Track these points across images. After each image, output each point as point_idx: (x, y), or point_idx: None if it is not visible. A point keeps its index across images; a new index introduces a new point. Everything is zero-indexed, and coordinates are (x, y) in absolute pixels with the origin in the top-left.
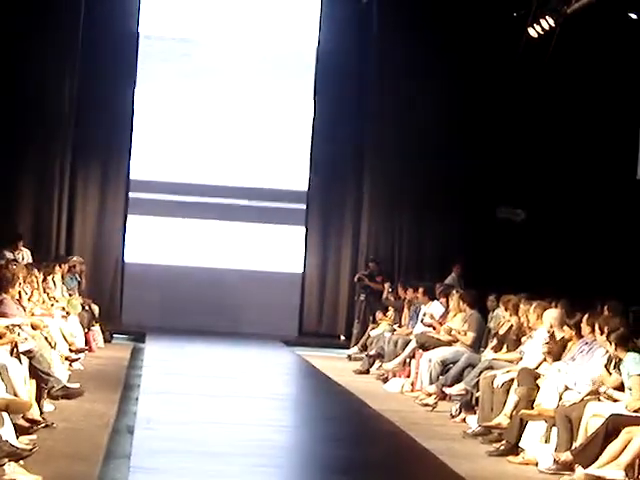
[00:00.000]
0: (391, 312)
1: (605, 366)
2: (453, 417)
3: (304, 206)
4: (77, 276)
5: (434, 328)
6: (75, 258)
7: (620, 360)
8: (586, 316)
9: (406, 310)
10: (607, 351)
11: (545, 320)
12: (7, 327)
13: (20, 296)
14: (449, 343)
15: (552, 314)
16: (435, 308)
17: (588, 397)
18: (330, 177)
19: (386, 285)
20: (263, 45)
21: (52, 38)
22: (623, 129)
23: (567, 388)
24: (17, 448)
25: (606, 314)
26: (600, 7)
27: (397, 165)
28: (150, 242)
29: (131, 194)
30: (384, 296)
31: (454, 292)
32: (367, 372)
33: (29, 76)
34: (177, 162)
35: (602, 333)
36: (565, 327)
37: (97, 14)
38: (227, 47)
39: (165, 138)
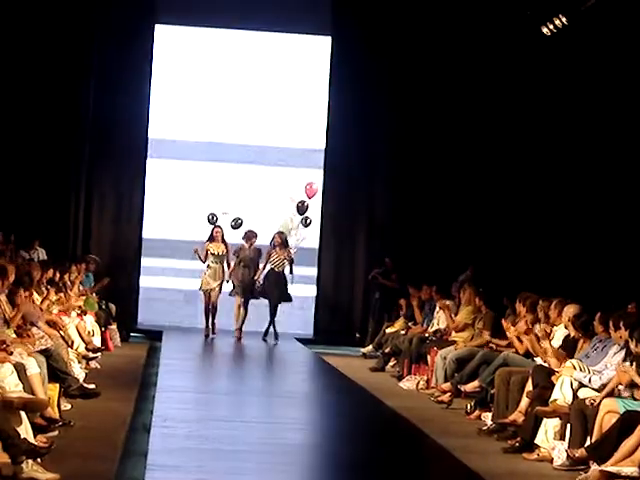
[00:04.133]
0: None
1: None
2: (468, 414)
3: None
4: (92, 275)
5: (449, 333)
6: (92, 256)
7: (638, 356)
8: (598, 314)
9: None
10: (622, 347)
11: (564, 315)
12: (24, 326)
13: (39, 294)
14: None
15: (572, 309)
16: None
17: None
18: (343, 177)
19: (401, 302)
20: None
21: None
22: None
23: (582, 385)
24: (35, 446)
25: (621, 311)
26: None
27: (411, 165)
28: (167, 240)
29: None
30: (403, 312)
31: (466, 286)
32: (382, 370)
33: (45, 77)
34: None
35: (616, 330)
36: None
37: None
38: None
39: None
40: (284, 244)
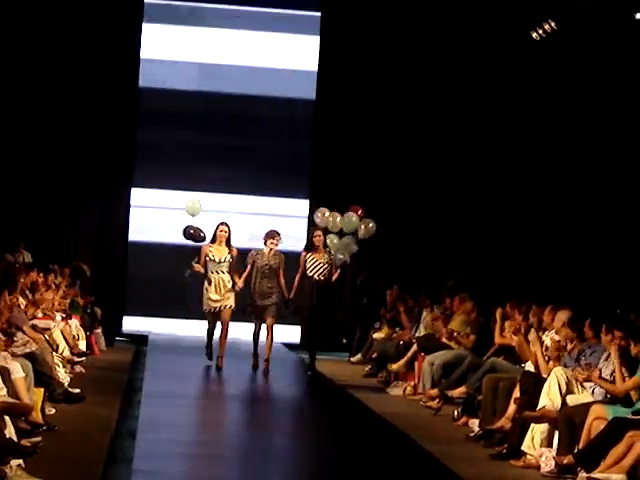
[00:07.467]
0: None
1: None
2: (455, 420)
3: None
4: (79, 279)
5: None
6: (80, 264)
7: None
8: (588, 320)
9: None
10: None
11: (557, 319)
12: (8, 330)
13: (24, 298)
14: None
15: (565, 314)
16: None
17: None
18: (332, 185)
19: (388, 299)
20: None
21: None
22: (629, 130)
23: (569, 391)
24: (21, 446)
25: (612, 317)
26: (605, 8)
27: (400, 169)
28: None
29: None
30: (382, 312)
31: (463, 295)
32: (373, 375)
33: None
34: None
35: (607, 334)
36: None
37: None
38: None
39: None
40: (323, 245)
